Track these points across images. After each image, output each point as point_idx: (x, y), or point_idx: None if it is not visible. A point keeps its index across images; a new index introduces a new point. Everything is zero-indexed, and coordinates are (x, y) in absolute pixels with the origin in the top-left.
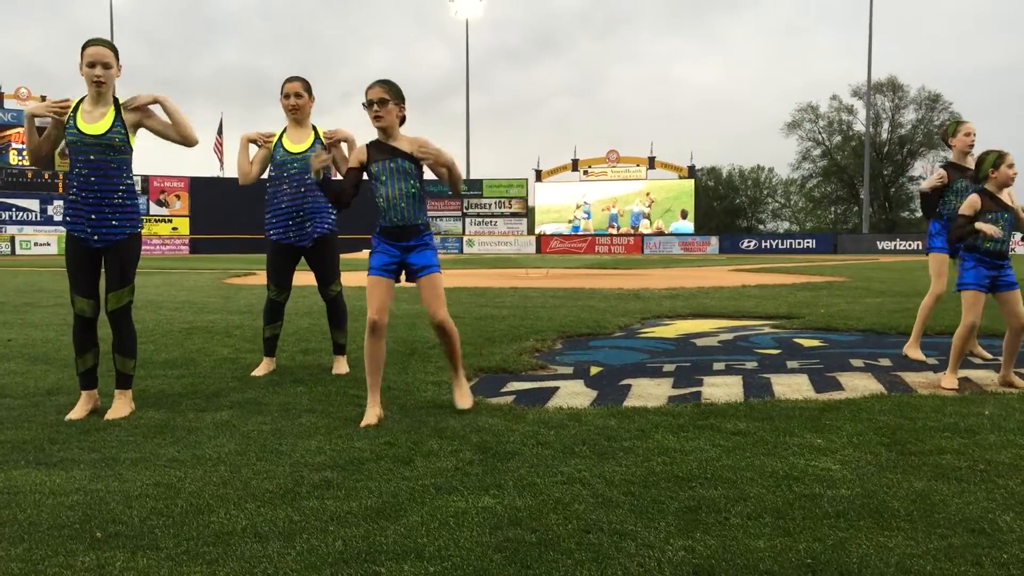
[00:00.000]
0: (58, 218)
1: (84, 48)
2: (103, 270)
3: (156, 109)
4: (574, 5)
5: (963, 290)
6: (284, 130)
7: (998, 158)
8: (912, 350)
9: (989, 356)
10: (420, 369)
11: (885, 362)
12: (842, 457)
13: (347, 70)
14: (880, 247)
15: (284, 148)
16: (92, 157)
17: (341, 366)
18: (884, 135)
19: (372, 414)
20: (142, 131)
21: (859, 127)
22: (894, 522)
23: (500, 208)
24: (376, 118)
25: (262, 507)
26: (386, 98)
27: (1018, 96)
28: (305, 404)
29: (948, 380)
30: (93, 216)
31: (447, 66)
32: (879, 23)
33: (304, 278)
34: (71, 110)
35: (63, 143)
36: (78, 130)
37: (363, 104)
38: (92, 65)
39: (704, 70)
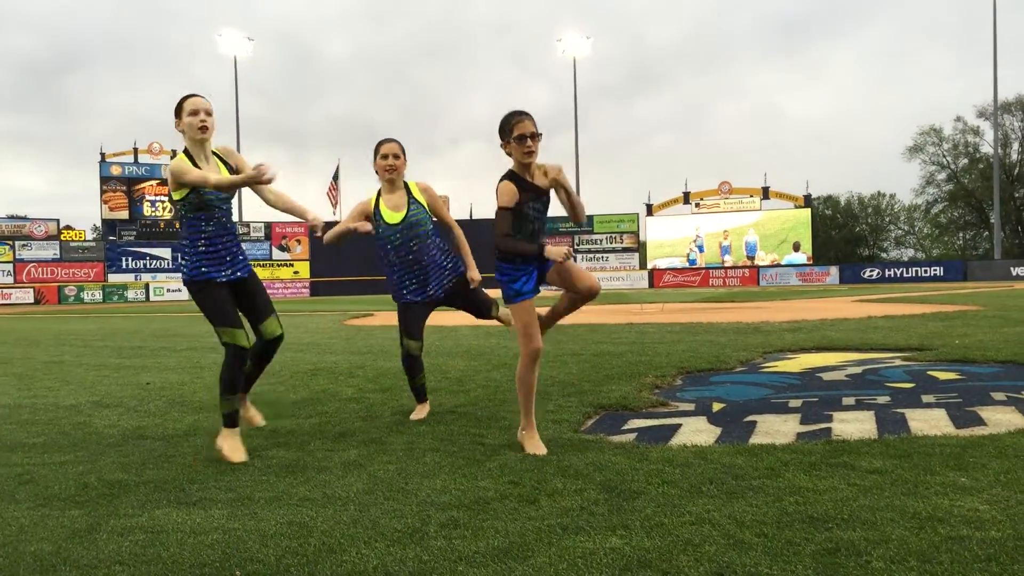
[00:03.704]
0: None
1: (187, 100)
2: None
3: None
4: (672, 42)
5: None
6: (379, 194)
7: None
8: None
9: None
10: (540, 406)
11: None
12: (990, 496)
13: (453, 115)
14: (1015, 273)
15: (384, 220)
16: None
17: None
18: (1014, 156)
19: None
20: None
21: (987, 149)
22: None
23: (611, 243)
24: (530, 153)
25: (391, 547)
26: (538, 132)
27: None
28: (428, 444)
29: None
30: (228, 258)
31: (549, 106)
32: (1005, 39)
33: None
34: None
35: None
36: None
37: (516, 139)
38: (195, 112)
39: (811, 99)
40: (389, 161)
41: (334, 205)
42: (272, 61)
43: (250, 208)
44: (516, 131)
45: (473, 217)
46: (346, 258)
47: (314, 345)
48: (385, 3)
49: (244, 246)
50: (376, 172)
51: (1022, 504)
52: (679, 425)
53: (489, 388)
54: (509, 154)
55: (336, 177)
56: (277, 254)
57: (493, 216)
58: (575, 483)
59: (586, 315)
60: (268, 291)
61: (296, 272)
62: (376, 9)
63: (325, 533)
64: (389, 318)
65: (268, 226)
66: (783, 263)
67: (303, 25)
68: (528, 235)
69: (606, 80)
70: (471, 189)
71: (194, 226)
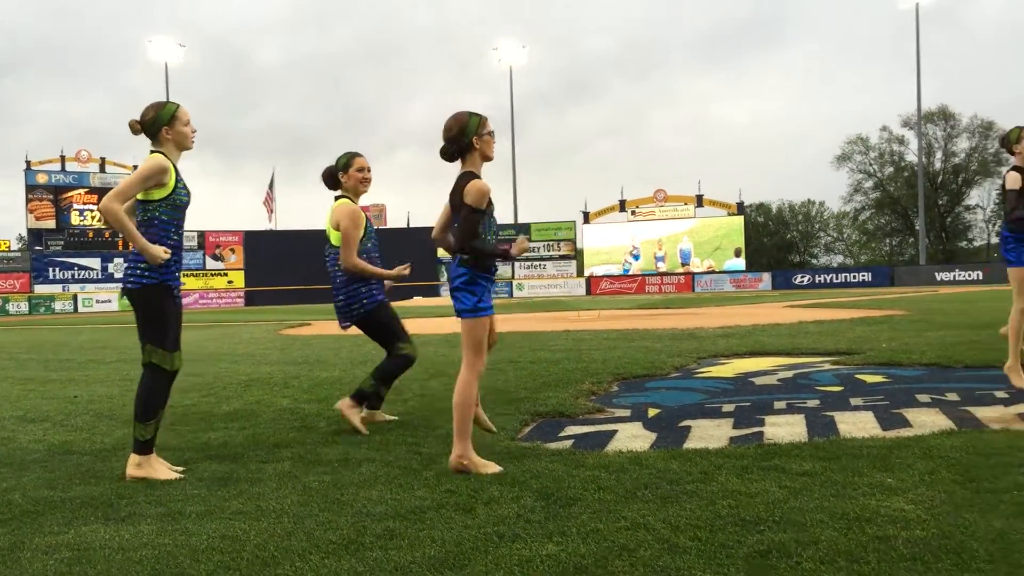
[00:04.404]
0: (119, 275)
1: (179, 108)
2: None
3: None
4: (607, 51)
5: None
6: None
7: (1020, 132)
8: (1014, 374)
9: None
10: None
11: (952, 396)
12: (915, 496)
13: (389, 122)
14: (939, 278)
15: (371, 227)
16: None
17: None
18: (937, 164)
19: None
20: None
21: (911, 157)
22: (974, 563)
23: (549, 251)
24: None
25: (326, 558)
26: None
27: None
28: (364, 454)
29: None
30: (176, 273)
31: (486, 113)
32: (927, 52)
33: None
34: (174, 171)
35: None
36: (188, 191)
37: (489, 134)
38: (188, 124)
39: (744, 108)
40: (366, 174)
41: (270, 213)
42: (205, 68)
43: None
44: (488, 127)
45: (411, 225)
46: (282, 267)
47: (248, 356)
48: (321, 9)
49: None
50: (347, 183)
51: (945, 503)
52: (615, 431)
53: (426, 397)
54: (473, 152)
55: (272, 186)
56: (211, 263)
57: (434, 221)
58: (512, 491)
59: (523, 323)
60: (202, 301)
61: (230, 282)
62: (311, 15)
63: (258, 547)
64: (325, 327)
65: (201, 235)
66: (722, 269)
67: (236, 31)
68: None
69: (543, 88)
70: (408, 197)
71: (164, 231)
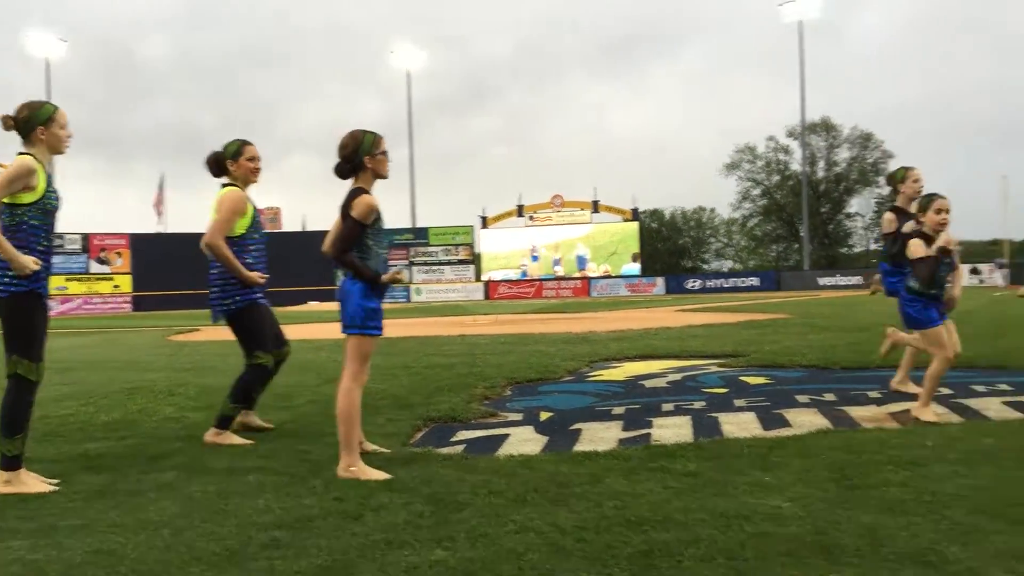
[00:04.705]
0: None
1: (57, 111)
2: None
3: None
4: (503, 57)
5: (932, 327)
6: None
7: (905, 172)
8: (903, 386)
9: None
10: (370, 421)
11: (830, 397)
12: (791, 494)
13: (283, 125)
14: (821, 283)
15: (258, 220)
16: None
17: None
18: (820, 173)
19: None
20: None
21: (796, 166)
22: (844, 557)
23: (447, 255)
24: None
25: (208, 570)
26: None
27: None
28: (251, 463)
29: (927, 414)
30: (44, 280)
31: (382, 118)
32: (810, 65)
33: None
34: (44, 174)
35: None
36: (59, 195)
37: (383, 154)
38: (65, 127)
39: (637, 116)
40: (257, 163)
41: (159, 215)
42: (89, 64)
43: (65, 218)
44: (383, 146)
45: (307, 229)
46: (171, 272)
47: (133, 363)
48: (211, 7)
49: (58, 259)
50: (237, 172)
51: (820, 500)
52: (507, 435)
53: (318, 403)
54: (367, 170)
55: (161, 187)
56: (95, 267)
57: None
58: (401, 497)
59: (419, 328)
60: (86, 306)
61: (116, 286)
62: (201, 13)
63: (136, 560)
64: (217, 333)
65: (85, 237)
66: (619, 274)
67: (122, 27)
68: (380, 260)
69: (441, 93)
70: (304, 201)
71: (34, 236)
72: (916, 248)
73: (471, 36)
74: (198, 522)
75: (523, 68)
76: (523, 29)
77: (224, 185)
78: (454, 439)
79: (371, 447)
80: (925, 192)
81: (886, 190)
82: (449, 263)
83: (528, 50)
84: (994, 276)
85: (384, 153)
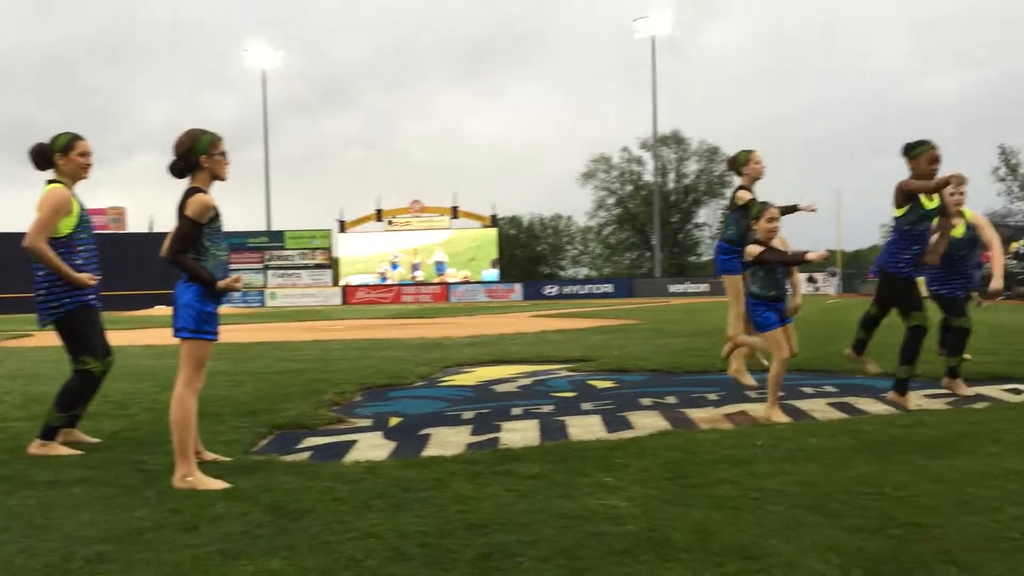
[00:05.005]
0: None
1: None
2: None
3: None
4: (359, 58)
5: (770, 330)
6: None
7: (748, 155)
8: (742, 376)
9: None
10: (210, 429)
11: (671, 399)
12: (629, 494)
13: (127, 122)
14: (671, 290)
15: (87, 218)
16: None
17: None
18: (671, 184)
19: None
20: None
21: (648, 177)
22: (674, 553)
23: (304, 259)
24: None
25: None
26: None
27: (774, 145)
28: (78, 474)
29: (777, 414)
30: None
31: (234, 118)
32: (662, 80)
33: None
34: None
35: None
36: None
37: (221, 154)
38: (86, 154)
39: (496, 123)
40: (89, 159)
41: None
42: None
43: None
44: (221, 147)
45: (154, 230)
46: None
47: None
48: None
49: None
50: (66, 167)
51: (656, 499)
52: (355, 441)
53: (156, 411)
54: (203, 170)
55: None
56: None
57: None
58: (240, 506)
59: (272, 333)
60: None
61: None
62: (36, 2)
63: None
64: (47, 338)
65: None
66: (478, 280)
67: None
68: (218, 263)
69: (295, 93)
70: (150, 202)
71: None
72: (752, 250)
73: (326, 36)
74: (17, 537)
75: (379, 70)
76: (379, 30)
77: (50, 181)
78: (299, 446)
79: (210, 456)
80: (759, 200)
81: (743, 180)
82: (306, 267)
83: (385, 53)
84: (828, 285)
85: (223, 154)
